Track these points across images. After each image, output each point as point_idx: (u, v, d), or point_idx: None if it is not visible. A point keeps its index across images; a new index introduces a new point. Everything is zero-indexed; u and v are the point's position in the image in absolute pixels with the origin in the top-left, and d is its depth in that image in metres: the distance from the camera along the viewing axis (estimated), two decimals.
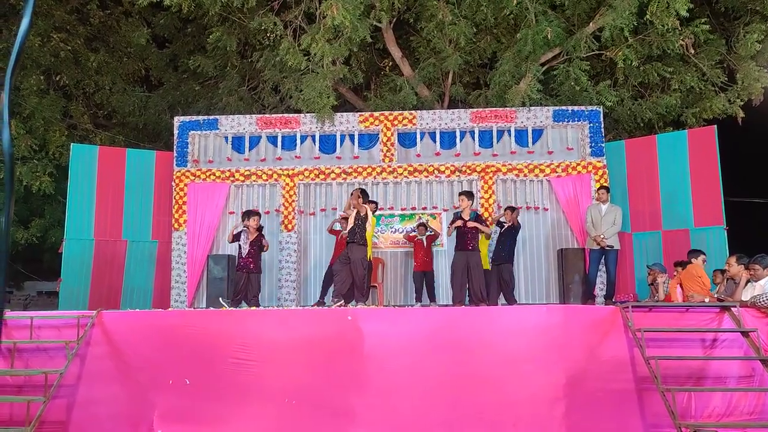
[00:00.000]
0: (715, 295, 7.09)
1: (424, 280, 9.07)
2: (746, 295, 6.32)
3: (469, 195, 8.21)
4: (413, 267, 9.22)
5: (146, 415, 5.82)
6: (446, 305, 9.09)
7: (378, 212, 9.74)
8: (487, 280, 8.38)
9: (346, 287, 7.41)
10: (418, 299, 9.00)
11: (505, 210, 8.92)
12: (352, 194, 7.72)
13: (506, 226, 8.70)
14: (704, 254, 7.67)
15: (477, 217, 8.14)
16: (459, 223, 7.93)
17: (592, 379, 5.65)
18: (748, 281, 6.47)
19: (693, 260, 7.31)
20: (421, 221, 9.49)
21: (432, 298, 9.10)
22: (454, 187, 9.86)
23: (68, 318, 6.24)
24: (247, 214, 8.35)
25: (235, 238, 8.21)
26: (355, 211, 7.55)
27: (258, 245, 8.27)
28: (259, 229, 8.36)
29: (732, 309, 5.77)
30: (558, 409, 5.56)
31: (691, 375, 5.65)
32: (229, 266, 8.84)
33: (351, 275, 7.41)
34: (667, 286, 7.56)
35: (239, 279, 8.08)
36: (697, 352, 5.73)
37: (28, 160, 11.87)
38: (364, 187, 9.85)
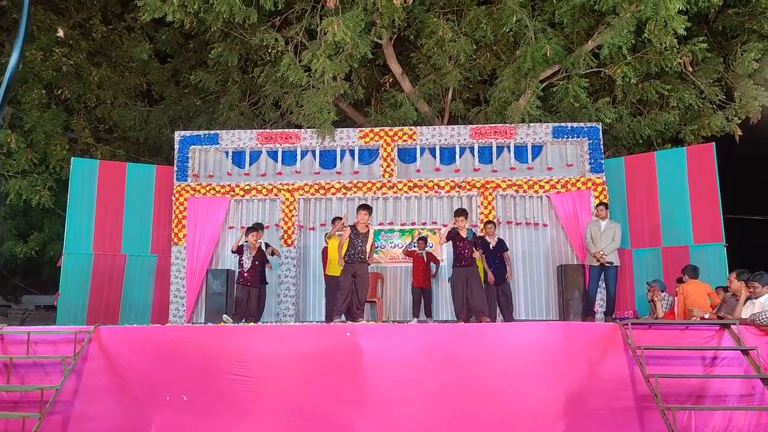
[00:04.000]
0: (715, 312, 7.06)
1: (422, 297, 9.05)
2: (746, 312, 6.30)
3: (465, 214, 8.14)
4: (411, 282, 9.19)
5: (143, 431, 5.77)
6: (445, 321, 9.07)
7: (377, 227, 9.81)
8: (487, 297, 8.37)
9: (347, 305, 7.44)
10: (415, 314, 8.97)
11: (487, 225, 8.76)
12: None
13: (493, 245, 8.59)
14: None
15: (474, 237, 8.15)
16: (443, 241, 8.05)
17: (593, 397, 5.62)
18: (747, 298, 6.45)
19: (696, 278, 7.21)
20: (422, 235, 9.48)
21: (429, 314, 9.07)
22: (454, 202, 9.87)
23: (65, 333, 6.22)
24: (250, 229, 8.43)
25: (239, 251, 8.26)
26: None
27: (260, 260, 8.33)
28: (260, 245, 8.42)
29: (732, 327, 5.76)
30: (558, 427, 5.53)
31: (692, 393, 5.62)
32: (229, 281, 8.83)
33: (355, 292, 7.44)
34: (665, 304, 7.54)
35: (242, 294, 8.13)
36: (697, 370, 5.70)
37: (29, 174, 11.88)
38: (364, 201, 9.91)
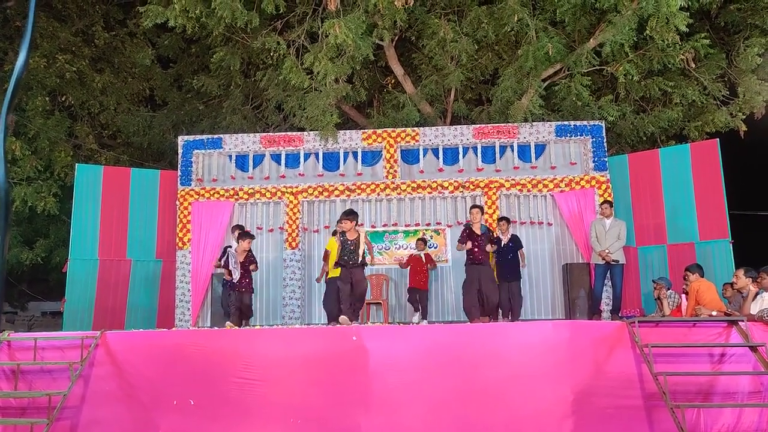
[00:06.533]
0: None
1: (417, 297, 9.03)
2: (755, 307, 6.27)
3: (482, 209, 8.32)
4: (408, 283, 9.18)
5: None
6: (450, 322, 9.06)
7: (382, 229, 9.81)
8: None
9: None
10: (416, 309, 8.97)
11: (500, 222, 8.79)
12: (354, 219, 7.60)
13: (505, 242, 8.59)
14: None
15: (488, 232, 8.14)
16: (468, 246, 7.87)
17: (600, 396, 5.59)
18: (756, 294, 6.41)
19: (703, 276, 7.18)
20: (421, 237, 9.46)
21: (424, 315, 9.01)
22: (458, 203, 9.87)
23: (72, 339, 6.23)
24: (241, 236, 8.16)
25: (224, 264, 8.02)
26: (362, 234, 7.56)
27: (247, 267, 8.10)
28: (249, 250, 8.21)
29: (740, 323, 5.72)
30: (566, 427, 5.50)
31: (700, 391, 5.58)
32: None
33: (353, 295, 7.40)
34: (671, 302, 7.50)
35: (235, 299, 7.93)
36: (705, 368, 5.67)
37: (33, 181, 11.93)
38: (368, 203, 9.91)
